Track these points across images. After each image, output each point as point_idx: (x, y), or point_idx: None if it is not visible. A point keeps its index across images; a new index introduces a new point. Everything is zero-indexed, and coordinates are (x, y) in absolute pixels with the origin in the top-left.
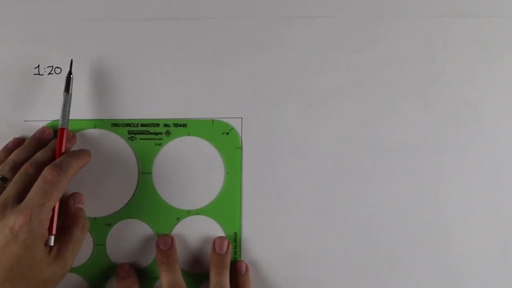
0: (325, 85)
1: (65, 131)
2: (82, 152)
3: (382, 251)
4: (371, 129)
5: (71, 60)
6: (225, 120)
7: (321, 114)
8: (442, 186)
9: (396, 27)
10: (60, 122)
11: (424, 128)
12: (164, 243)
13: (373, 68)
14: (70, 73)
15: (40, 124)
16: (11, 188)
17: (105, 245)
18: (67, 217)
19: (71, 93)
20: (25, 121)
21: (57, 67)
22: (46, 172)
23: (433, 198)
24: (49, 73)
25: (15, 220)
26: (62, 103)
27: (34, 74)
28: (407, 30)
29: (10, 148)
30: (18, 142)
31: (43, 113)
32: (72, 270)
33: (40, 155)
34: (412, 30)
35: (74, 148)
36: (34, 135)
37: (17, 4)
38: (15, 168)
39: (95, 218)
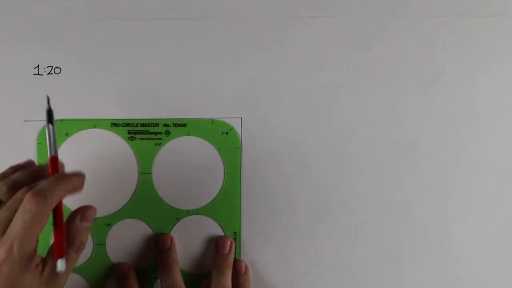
0: (325, 85)
1: (57, 160)
2: (73, 176)
3: (382, 251)
4: (371, 129)
5: (47, 96)
6: (225, 120)
7: (321, 114)
8: (442, 186)
9: (396, 27)
10: (48, 151)
11: (424, 127)
12: (163, 243)
13: (373, 68)
14: (50, 108)
15: (40, 124)
16: (1, 214)
17: (105, 245)
18: (66, 234)
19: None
20: (24, 121)
21: (57, 67)
22: (26, 199)
23: (433, 198)
24: (49, 73)
25: None
26: (47, 135)
27: (34, 74)
28: (407, 30)
29: (19, 167)
30: (31, 164)
31: (43, 113)
32: (72, 270)
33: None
34: (412, 30)
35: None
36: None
37: (17, 4)
38: (14, 189)
39: (95, 218)
